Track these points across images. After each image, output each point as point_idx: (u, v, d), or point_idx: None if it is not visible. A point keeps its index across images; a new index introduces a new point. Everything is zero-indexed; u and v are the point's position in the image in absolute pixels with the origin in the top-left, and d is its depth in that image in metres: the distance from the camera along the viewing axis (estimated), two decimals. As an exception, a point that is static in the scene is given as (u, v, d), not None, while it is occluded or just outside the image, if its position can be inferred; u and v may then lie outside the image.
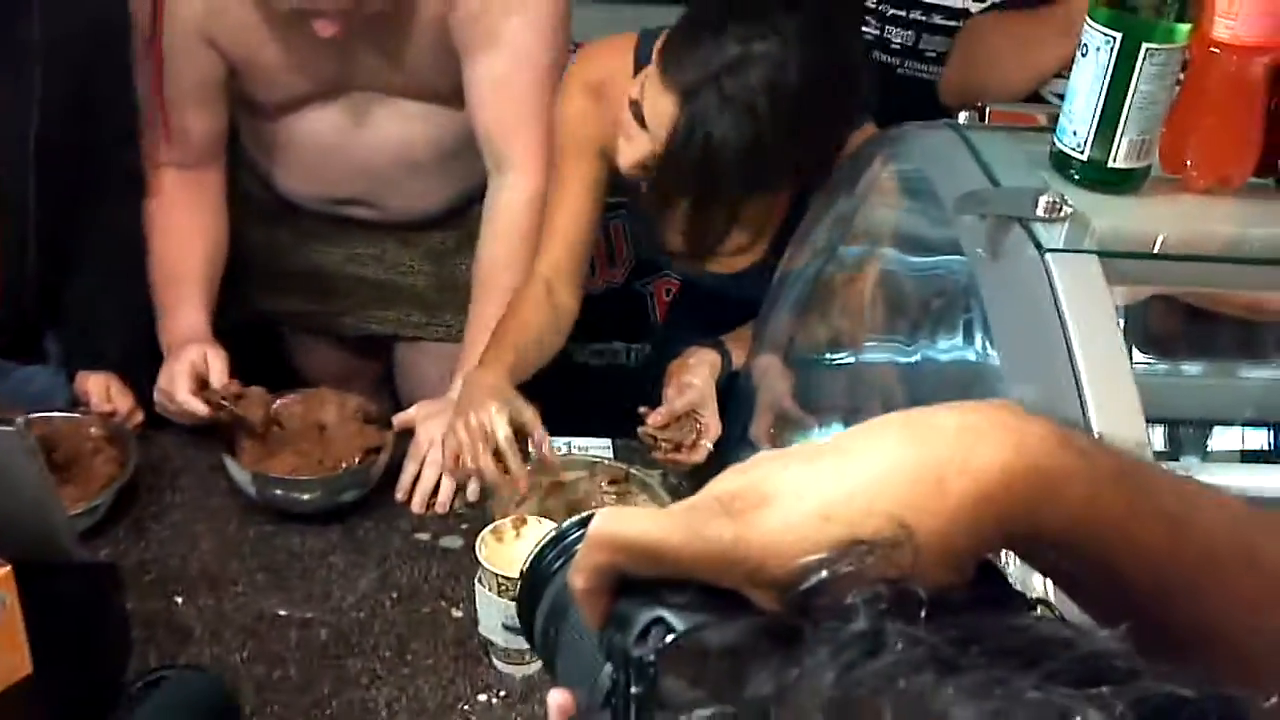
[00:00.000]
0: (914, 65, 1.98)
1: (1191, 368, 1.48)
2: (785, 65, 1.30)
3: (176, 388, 1.54)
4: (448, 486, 1.58)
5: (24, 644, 1.10)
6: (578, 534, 0.54)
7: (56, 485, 1.42)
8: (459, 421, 1.48)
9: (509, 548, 1.35)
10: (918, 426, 0.47)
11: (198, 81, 1.68)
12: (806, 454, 0.48)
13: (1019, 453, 0.45)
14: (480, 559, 1.31)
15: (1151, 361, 1.44)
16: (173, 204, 1.73)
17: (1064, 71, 1.76)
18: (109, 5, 1.57)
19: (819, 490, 0.45)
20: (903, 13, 1.95)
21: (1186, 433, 1.52)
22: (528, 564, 0.56)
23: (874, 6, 2.03)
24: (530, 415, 1.49)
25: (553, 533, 0.56)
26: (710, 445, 1.56)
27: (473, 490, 1.57)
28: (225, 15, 1.61)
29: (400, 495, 1.58)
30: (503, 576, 1.29)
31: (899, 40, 1.96)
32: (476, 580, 1.33)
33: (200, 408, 1.53)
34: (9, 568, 1.07)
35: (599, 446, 1.70)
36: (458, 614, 1.42)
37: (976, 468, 0.45)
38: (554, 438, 1.70)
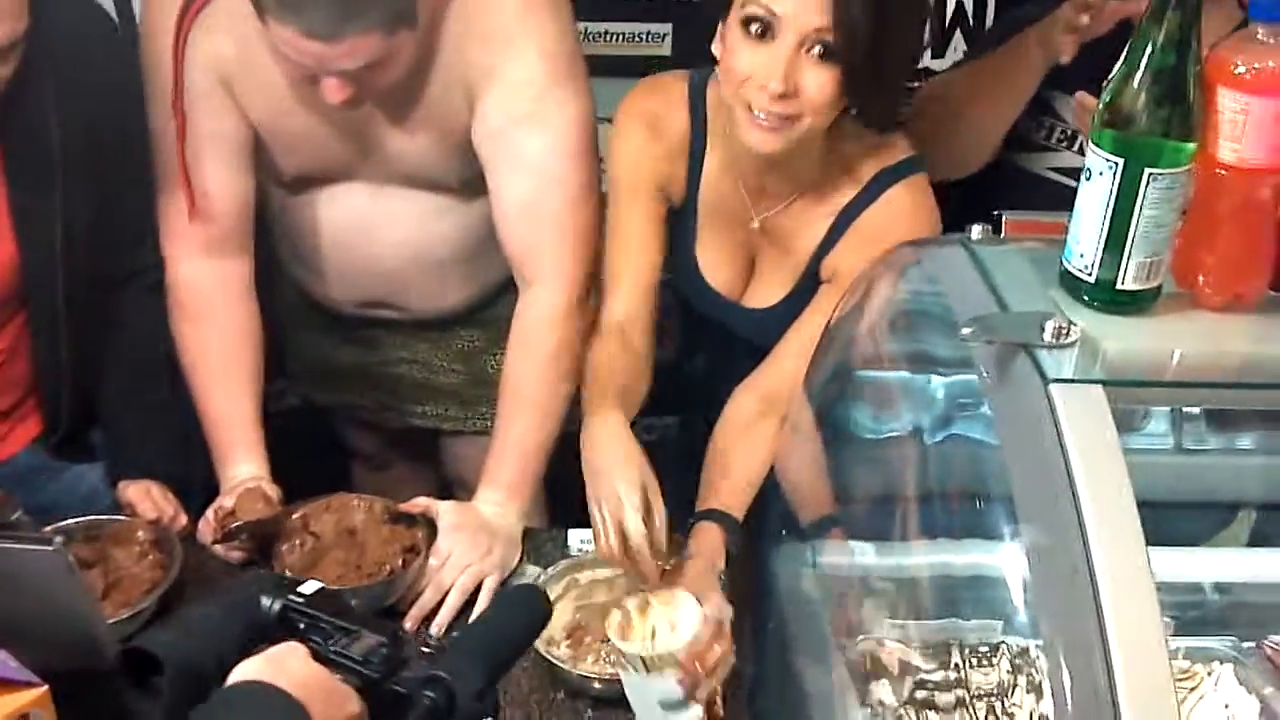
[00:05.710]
0: None
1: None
2: None
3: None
4: (447, 610, 1.54)
5: (61, 761, 1.12)
6: None
7: (102, 591, 1.48)
8: (595, 503, 1.47)
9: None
10: None
11: (219, 133, 1.61)
12: None
13: None
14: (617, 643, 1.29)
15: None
16: (205, 313, 1.68)
17: (1043, 140, 1.80)
18: (124, 109, 1.59)
19: None
20: None
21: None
22: None
23: None
24: (653, 497, 1.46)
25: None
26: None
27: None
28: (254, 73, 1.56)
29: (409, 625, 1.53)
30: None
31: None
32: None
33: (220, 550, 1.58)
34: (45, 688, 1.10)
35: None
36: (491, 717, 1.42)
37: None
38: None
